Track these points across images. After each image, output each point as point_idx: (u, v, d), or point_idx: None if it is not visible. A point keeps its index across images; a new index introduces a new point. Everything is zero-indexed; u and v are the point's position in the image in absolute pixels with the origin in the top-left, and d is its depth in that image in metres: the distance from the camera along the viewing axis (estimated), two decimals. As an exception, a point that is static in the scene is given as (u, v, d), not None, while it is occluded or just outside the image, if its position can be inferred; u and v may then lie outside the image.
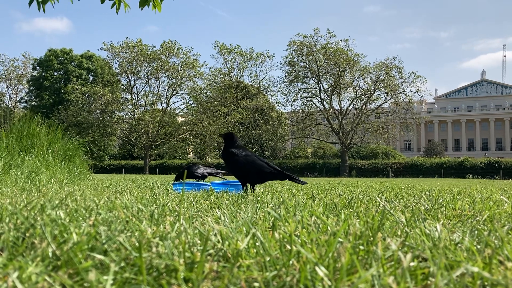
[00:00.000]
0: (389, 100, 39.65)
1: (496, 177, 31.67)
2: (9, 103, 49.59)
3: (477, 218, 1.56)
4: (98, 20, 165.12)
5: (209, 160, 42.26)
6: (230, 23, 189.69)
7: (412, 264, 0.80)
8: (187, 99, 42.25)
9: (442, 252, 0.75)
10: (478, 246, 1.01)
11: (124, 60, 40.10)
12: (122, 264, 0.79)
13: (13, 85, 49.78)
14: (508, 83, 73.24)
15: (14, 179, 3.62)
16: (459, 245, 1.01)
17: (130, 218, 1.26)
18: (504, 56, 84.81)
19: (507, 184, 8.04)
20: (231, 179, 5.73)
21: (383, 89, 38.82)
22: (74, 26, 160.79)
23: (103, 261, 0.80)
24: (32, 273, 0.73)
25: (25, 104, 49.74)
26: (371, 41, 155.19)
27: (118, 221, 1.19)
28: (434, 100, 75.07)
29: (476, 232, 1.22)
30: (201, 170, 5.67)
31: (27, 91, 50.01)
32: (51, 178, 4.41)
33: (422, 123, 50.36)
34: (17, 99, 50.45)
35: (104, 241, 0.89)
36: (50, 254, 0.84)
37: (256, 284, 0.72)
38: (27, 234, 1.00)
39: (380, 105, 40.10)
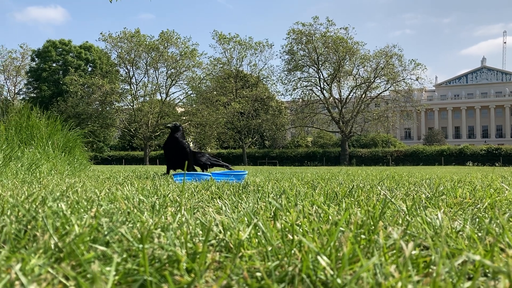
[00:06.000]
0: (389, 88, 39.55)
1: (497, 164, 31.71)
2: (8, 95, 49.43)
3: (478, 206, 1.57)
4: (92, 8, 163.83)
5: (209, 150, 42.29)
6: (229, 11, 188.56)
7: (413, 252, 0.80)
8: (186, 89, 42.15)
9: (444, 240, 0.75)
10: (479, 234, 1.01)
11: (123, 51, 39.90)
12: (124, 255, 0.79)
13: (11, 77, 49.59)
14: (508, 70, 72.98)
15: (14, 171, 3.62)
16: (460, 233, 1.02)
17: (132, 210, 1.26)
18: (505, 42, 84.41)
19: (508, 171, 8.05)
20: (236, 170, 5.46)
21: (383, 77, 38.70)
22: (70, 15, 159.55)
23: (105, 253, 0.80)
24: (35, 265, 0.73)
25: (24, 96, 49.63)
26: (369, 27, 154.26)
27: (120, 212, 1.19)
28: (434, 88, 74.85)
29: (477, 219, 1.22)
30: (204, 159, 5.09)
31: (25, 82, 49.86)
32: (52, 170, 4.42)
33: (422, 111, 50.24)
34: (16, 91, 50.31)
35: (106, 233, 0.90)
36: (53, 246, 0.84)
37: (258, 274, 0.72)
38: (29, 227, 1.00)
39: (380, 93, 40.00)
